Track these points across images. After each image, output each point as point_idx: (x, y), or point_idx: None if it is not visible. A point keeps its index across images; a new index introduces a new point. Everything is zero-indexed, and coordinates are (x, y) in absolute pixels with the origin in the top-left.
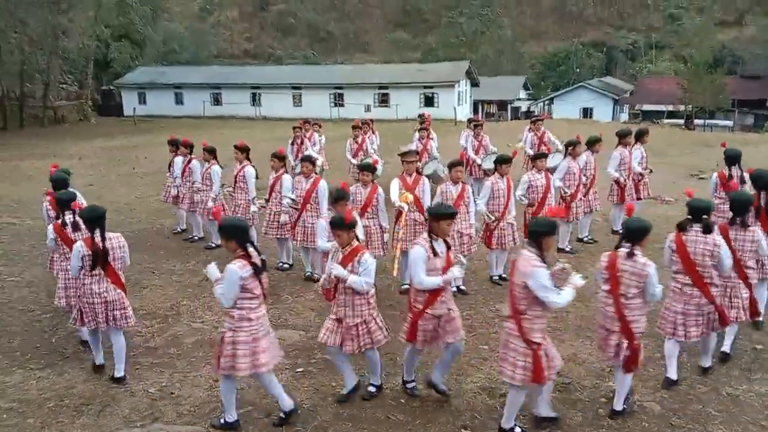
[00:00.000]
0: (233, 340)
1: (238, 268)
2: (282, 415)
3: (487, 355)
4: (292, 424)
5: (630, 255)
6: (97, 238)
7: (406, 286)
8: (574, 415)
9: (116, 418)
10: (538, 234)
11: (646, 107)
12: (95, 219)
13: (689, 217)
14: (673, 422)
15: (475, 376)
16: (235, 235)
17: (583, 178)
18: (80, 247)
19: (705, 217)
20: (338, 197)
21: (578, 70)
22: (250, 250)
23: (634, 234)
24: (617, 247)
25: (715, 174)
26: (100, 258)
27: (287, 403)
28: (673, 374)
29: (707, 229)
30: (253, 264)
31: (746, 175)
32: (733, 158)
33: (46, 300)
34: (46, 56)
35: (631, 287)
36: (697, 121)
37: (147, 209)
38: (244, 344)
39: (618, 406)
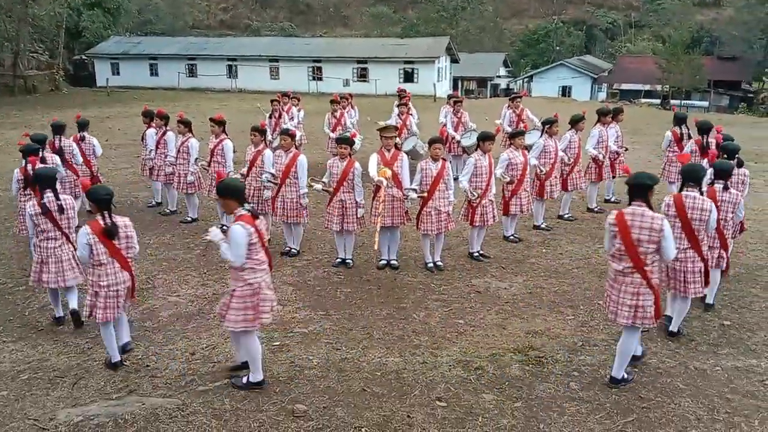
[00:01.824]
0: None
1: (30, 207)
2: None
3: (462, 330)
4: (262, 392)
5: (726, 188)
6: (29, 168)
7: (384, 262)
8: (547, 388)
9: (91, 390)
10: (645, 187)
11: (624, 86)
12: (28, 152)
13: (725, 156)
14: (642, 395)
15: (450, 349)
16: (38, 181)
17: (565, 156)
18: (16, 173)
19: (737, 156)
20: (220, 192)
21: (558, 48)
22: (48, 194)
23: (725, 173)
24: (711, 184)
25: (669, 132)
26: (29, 182)
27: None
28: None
29: (740, 164)
30: (41, 205)
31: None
32: (681, 119)
33: (18, 273)
34: (15, 23)
35: (728, 212)
36: (673, 102)
37: (120, 181)
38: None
39: (674, 327)
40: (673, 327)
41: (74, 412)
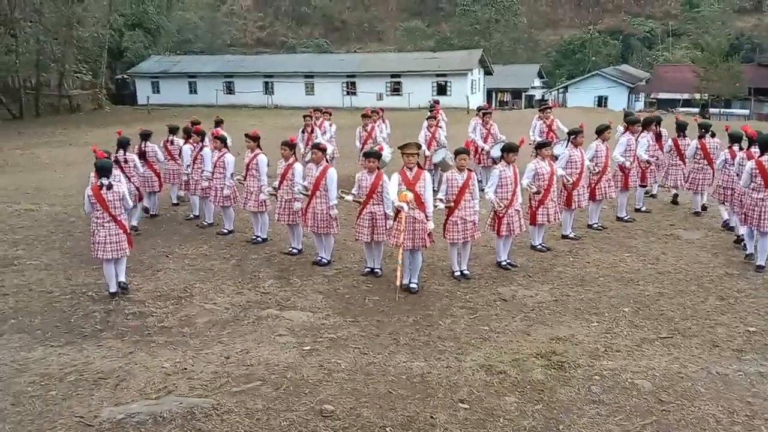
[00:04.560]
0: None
1: (87, 190)
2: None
3: (487, 336)
4: (295, 393)
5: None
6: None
7: (414, 286)
8: (568, 391)
9: (132, 391)
10: None
11: (662, 95)
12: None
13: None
14: (662, 398)
15: (475, 354)
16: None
17: (592, 166)
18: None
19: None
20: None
21: (594, 58)
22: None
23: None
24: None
25: (627, 132)
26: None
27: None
28: None
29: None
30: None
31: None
32: (737, 138)
33: (64, 282)
34: (61, 45)
35: None
36: (712, 110)
37: (161, 196)
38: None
39: (762, 261)
40: (761, 261)
41: (116, 410)
